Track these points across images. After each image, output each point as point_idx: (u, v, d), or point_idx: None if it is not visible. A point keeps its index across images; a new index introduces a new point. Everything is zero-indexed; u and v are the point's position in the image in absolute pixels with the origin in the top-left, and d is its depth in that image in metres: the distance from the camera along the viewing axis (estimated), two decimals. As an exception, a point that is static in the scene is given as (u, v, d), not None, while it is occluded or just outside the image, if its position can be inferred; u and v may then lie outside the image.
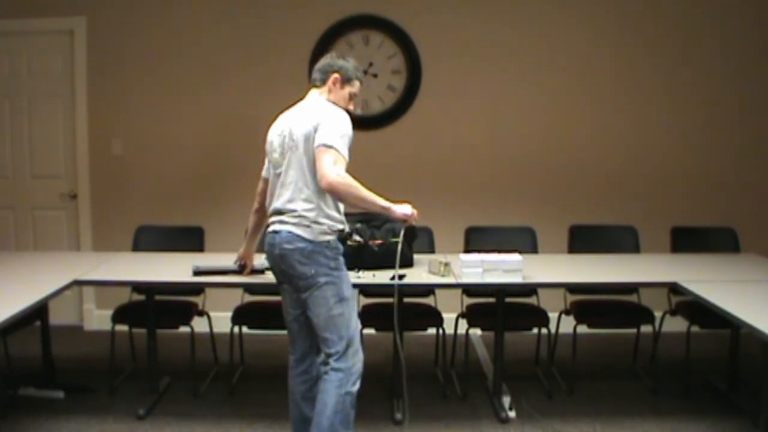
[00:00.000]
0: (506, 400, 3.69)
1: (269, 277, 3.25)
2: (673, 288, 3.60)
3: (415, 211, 2.95)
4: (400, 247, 3.07)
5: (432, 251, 4.14)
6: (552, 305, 4.09)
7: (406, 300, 3.76)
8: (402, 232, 3.12)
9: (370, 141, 4.88)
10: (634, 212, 4.87)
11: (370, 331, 3.84)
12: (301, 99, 2.99)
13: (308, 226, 2.76)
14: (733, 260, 4.04)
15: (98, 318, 5.08)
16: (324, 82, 2.92)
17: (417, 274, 3.49)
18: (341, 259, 2.84)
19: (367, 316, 3.91)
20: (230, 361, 4.02)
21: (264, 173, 3.09)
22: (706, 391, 3.95)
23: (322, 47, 4.87)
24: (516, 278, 3.34)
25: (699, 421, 3.53)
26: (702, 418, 3.57)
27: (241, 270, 3.35)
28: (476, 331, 4.44)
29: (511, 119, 5.02)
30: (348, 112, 2.91)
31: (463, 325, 3.95)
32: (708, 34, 4.95)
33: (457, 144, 5.02)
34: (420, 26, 4.93)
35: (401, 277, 3.39)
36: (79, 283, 3.47)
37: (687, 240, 4.33)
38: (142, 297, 3.90)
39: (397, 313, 2.99)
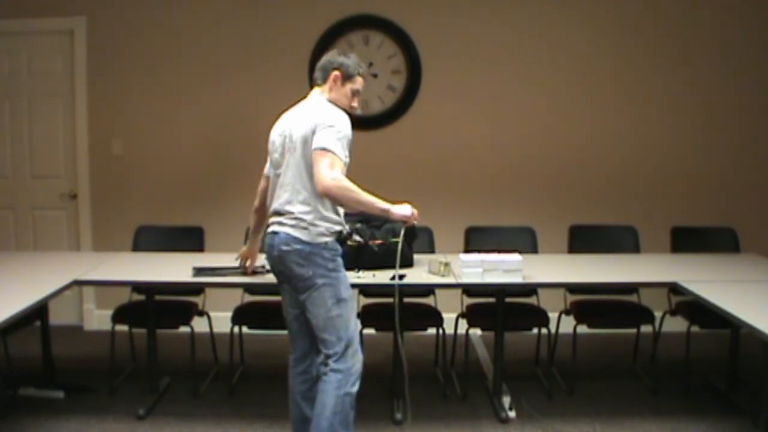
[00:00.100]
0: (506, 400, 3.69)
1: (269, 277, 3.25)
2: (673, 288, 3.60)
3: (414, 211, 2.94)
4: (400, 247, 3.06)
5: (432, 251, 4.14)
6: (552, 305, 4.09)
7: (406, 300, 3.75)
8: (402, 232, 3.10)
9: (370, 141, 4.88)
10: (634, 212, 4.87)
11: (370, 331, 3.85)
12: (304, 98, 2.98)
13: (305, 228, 2.76)
14: (733, 260, 4.04)
15: (98, 318, 5.08)
16: (325, 80, 2.90)
17: (417, 274, 3.49)
18: (340, 260, 2.84)
19: (367, 316, 3.92)
20: (230, 361, 4.02)
21: (266, 171, 3.09)
22: (706, 391, 3.95)
23: (322, 47, 4.86)
24: (516, 278, 3.34)
25: (699, 421, 3.53)
26: (702, 418, 3.57)
27: (242, 268, 3.35)
28: (476, 331, 4.44)
29: (511, 119, 5.02)
30: (350, 109, 2.90)
31: (463, 325, 3.95)
32: (708, 34, 4.95)
33: (457, 144, 5.02)
34: (420, 26, 4.93)
35: (401, 277, 3.39)
36: (79, 283, 3.47)
37: (687, 240, 4.33)
38: (142, 297, 3.90)
39: (398, 313, 2.98)
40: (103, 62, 4.98)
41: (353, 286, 2.99)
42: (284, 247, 2.79)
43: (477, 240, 4.22)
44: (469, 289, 4.07)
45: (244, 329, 4.04)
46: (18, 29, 4.99)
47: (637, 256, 4.23)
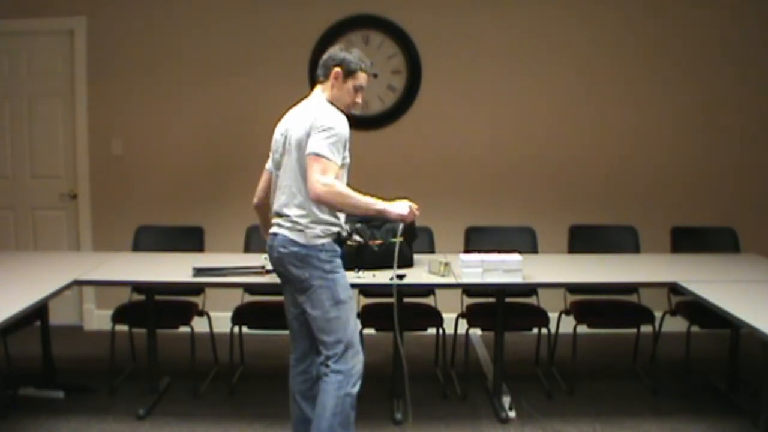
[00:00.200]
0: (506, 400, 3.69)
1: (270, 277, 3.26)
2: (673, 288, 3.61)
3: (413, 206, 2.88)
4: (397, 246, 3.03)
5: (432, 251, 4.14)
6: (552, 305, 4.09)
7: (406, 300, 3.76)
8: (400, 230, 3.07)
9: (370, 141, 4.88)
10: (634, 212, 4.86)
11: (370, 331, 3.85)
12: (307, 95, 2.95)
13: (301, 231, 2.75)
14: (733, 260, 4.04)
15: (98, 318, 5.08)
16: (326, 77, 2.86)
17: (417, 274, 3.49)
18: (338, 261, 2.82)
19: (367, 316, 3.92)
20: (230, 361, 4.01)
21: (267, 166, 3.07)
22: (706, 391, 3.95)
23: (322, 47, 4.85)
24: (516, 278, 3.34)
25: (699, 421, 3.53)
26: (702, 418, 3.57)
27: (261, 268, 3.30)
28: (476, 331, 4.44)
29: (511, 119, 5.01)
30: (353, 106, 2.87)
31: (463, 325, 3.95)
32: (708, 34, 4.95)
33: (457, 144, 5.02)
34: (420, 26, 4.93)
35: (401, 277, 3.39)
36: (79, 283, 3.47)
37: (687, 240, 4.33)
38: (142, 297, 3.90)
39: (397, 313, 2.98)
40: (103, 62, 4.98)
41: (353, 286, 2.99)
42: (282, 249, 2.79)
43: (477, 240, 4.22)
44: (469, 289, 4.07)
45: (244, 329, 4.04)
46: (18, 29, 4.99)
47: (637, 256, 4.23)
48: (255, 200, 3.12)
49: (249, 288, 4.08)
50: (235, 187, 4.94)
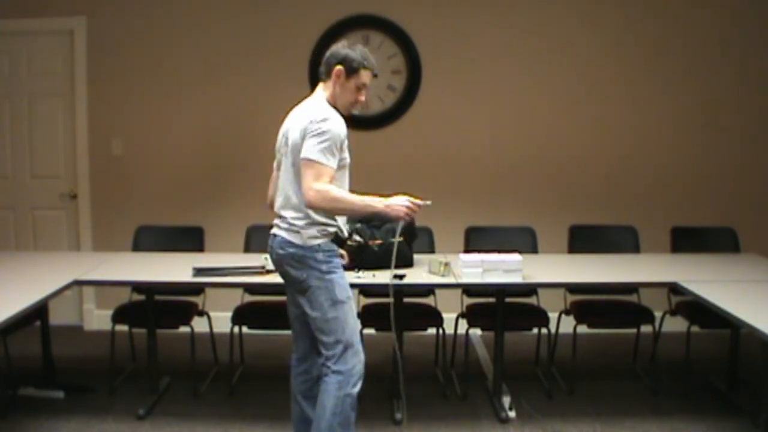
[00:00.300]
0: (506, 400, 3.69)
1: (270, 277, 3.26)
2: (673, 288, 3.61)
3: (411, 202, 2.78)
4: (396, 246, 3.00)
5: (432, 251, 4.14)
6: (552, 305, 4.09)
7: (406, 300, 3.76)
8: (399, 230, 3.02)
9: (370, 141, 4.88)
10: (634, 212, 4.86)
11: (370, 331, 3.84)
12: (310, 94, 2.92)
13: (297, 232, 2.75)
14: (733, 260, 4.05)
15: (98, 318, 5.08)
16: (328, 75, 2.80)
17: (417, 274, 3.49)
18: (336, 261, 2.80)
19: (367, 316, 3.92)
20: (230, 361, 4.01)
21: (275, 165, 3.04)
22: (706, 391, 3.95)
23: (322, 47, 4.85)
24: (516, 278, 3.34)
25: (699, 421, 3.53)
26: (702, 418, 3.57)
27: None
28: (476, 331, 4.44)
29: (511, 119, 5.01)
30: (356, 104, 2.82)
31: (463, 325, 3.95)
32: (708, 34, 4.95)
33: (457, 144, 5.02)
34: (420, 26, 4.93)
35: (401, 277, 3.39)
36: (79, 283, 3.47)
37: (687, 240, 4.33)
38: (142, 297, 3.90)
39: (394, 312, 2.95)
40: (103, 62, 4.98)
41: (353, 286, 2.98)
42: (280, 251, 2.79)
43: (477, 240, 4.22)
44: (469, 289, 4.07)
45: (244, 329, 4.04)
46: (18, 29, 4.99)
47: (637, 256, 4.23)
48: (267, 201, 3.07)
49: (249, 288, 4.08)
50: (235, 187, 4.95)
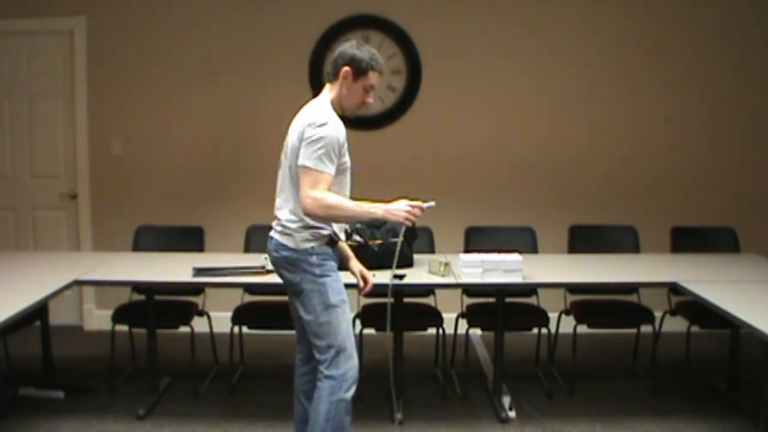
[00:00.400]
0: (506, 400, 3.69)
1: (270, 277, 3.25)
2: (673, 288, 3.61)
3: (412, 207, 2.73)
4: (399, 246, 2.99)
5: (432, 251, 4.14)
6: (552, 305, 4.09)
7: (406, 300, 3.76)
8: (401, 233, 2.98)
9: (370, 141, 4.88)
10: (634, 212, 4.86)
11: (370, 331, 3.85)
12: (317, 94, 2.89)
13: (290, 235, 2.73)
14: (733, 260, 4.04)
15: (98, 318, 5.07)
16: (335, 76, 2.74)
17: (417, 274, 3.49)
18: (330, 264, 2.76)
19: (367, 316, 3.92)
20: (230, 361, 4.01)
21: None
22: (706, 391, 3.95)
23: (322, 47, 4.87)
24: (516, 278, 3.34)
25: (699, 421, 3.53)
26: (702, 418, 3.57)
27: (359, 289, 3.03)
28: (476, 331, 4.44)
29: (512, 119, 5.01)
30: (363, 105, 2.78)
31: (463, 325, 3.95)
32: (708, 34, 4.95)
33: (457, 144, 5.02)
34: (420, 26, 4.93)
35: (401, 277, 3.39)
36: (79, 283, 3.47)
37: (687, 240, 4.33)
38: (142, 297, 3.90)
39: (391, 313, 2.92)
40: (103, 62, 4.98)
41: (353, 286, 2.98)
42: (274, 254, 2.79)
43: (477, 240, 4.22)
44: (469, 289, 4.07)
45: (244, 329, 4.04)
46: (18, 29, 4.99)
47: (637, 256, 4.23)
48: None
49: (249, 288, 4.08)
50: (235, 187, 4.94)
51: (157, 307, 3.81)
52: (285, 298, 2.99)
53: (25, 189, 5.16)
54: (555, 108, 5.00)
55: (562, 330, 4.13)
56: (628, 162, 5.03)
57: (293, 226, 2.73)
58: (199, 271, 3.43)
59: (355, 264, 3.00)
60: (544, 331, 4.01)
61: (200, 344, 3.98)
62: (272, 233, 2.83)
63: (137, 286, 3.99)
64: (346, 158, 2.76)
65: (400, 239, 2.89)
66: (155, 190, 5.05)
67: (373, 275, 3.09)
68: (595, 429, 3.48)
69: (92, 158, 5.05)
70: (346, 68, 2.71)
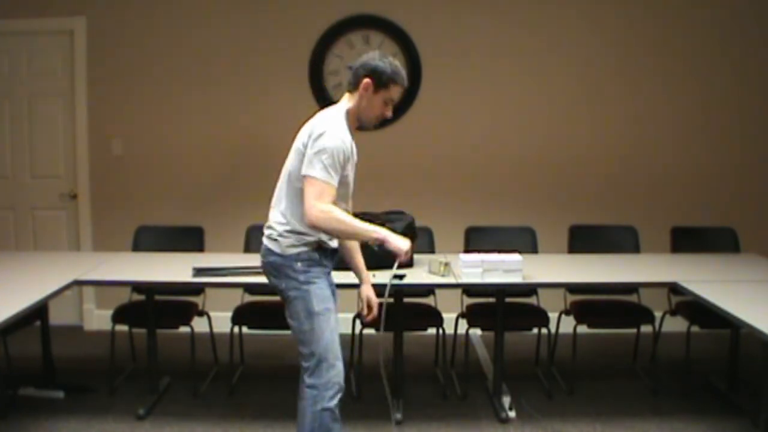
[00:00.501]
0: (506, 400, 3.69)
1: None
2: (673, 288, 3.61)
3: (407, 249, 2.67)
4: (391, 277, 2.84)
5: (432, 251, 4.14)
6: (552, 305, 4.09)
7: (406, 300, 3.76)
8: (395, 266, 2.75)
9: (370, 141, 4.83)
10: (634, 212, 4.86)
11: (370, 331, 3.84)
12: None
13: (276, 240, 2.70)
14: (733, 260, 4.05)
15: (98, 318, 5.07)
16: (356, 86, 2.68)
17: (417, 274, 3.48)
18: (315, 271, 2.69)
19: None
20: (230, 361, 4.01)
21: None
22: (706, 391, 3.95)
23: (322, 47, 4.87)
24: (516, 278, 3.34)
25: (699, 421, 3.53)
26: (702, 418, 3.57)
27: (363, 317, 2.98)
28: (476, 331, 4.44)
29: (511, 119, 5.02)
30: (380, 118, 2.73)
31: (463, 325, 3.95)
32: (708, 34, 4.95)
33: (457, 144, 5.02)
34: (420, 26, 4.93)
35: (401, 277, 3.39)
36: (79, 283, 3.47)
37: (687, 240, 4.33)
38: (142, 297, 3.90)
39: (386, 314, 2.90)
40: (103, 62, 4.98)
41: (353, 286, 2.98)
42: (263, 259, 2.76)
43: (477, 240, 4.22)
44: (469, 289, 4.07)
45: (244, 329, 4.03)
46: (18, 29, 4.99)
47: (637, 256, 4.23)
48: None
49: (249, 288, 4.08)
50: (235, 187, 4.94)
51: (157, 307, 3.81)
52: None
53: (25, 189, 5.16)
54: (555, 108, 5.00)
55: (562, 330, 4.13)
56: (628, 162, 5.03)
57: (279, 228, 2.69)
58: (199, 271, 3.43)
59: (366, 289, 2.96)
60: (544, 331, 4.01)
61: (200, 344, 3.98)
62: (263, 237, 2.79)
63: (137, 286, 3.99)
64: (348, 171, 2.72)
65: (394, 270, 2.78)
66: (155, 191, 5.05)
67: (373, 275, 3.08)
68: (595, 429, 3.48)
69: (92, 158, 5.05)
70: (367, 80, 2.65)
